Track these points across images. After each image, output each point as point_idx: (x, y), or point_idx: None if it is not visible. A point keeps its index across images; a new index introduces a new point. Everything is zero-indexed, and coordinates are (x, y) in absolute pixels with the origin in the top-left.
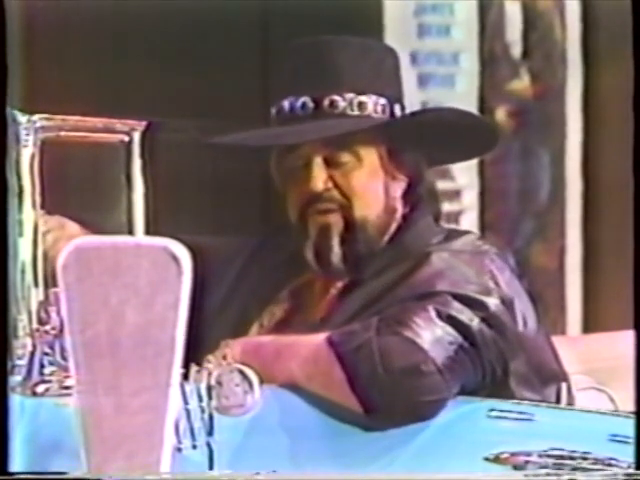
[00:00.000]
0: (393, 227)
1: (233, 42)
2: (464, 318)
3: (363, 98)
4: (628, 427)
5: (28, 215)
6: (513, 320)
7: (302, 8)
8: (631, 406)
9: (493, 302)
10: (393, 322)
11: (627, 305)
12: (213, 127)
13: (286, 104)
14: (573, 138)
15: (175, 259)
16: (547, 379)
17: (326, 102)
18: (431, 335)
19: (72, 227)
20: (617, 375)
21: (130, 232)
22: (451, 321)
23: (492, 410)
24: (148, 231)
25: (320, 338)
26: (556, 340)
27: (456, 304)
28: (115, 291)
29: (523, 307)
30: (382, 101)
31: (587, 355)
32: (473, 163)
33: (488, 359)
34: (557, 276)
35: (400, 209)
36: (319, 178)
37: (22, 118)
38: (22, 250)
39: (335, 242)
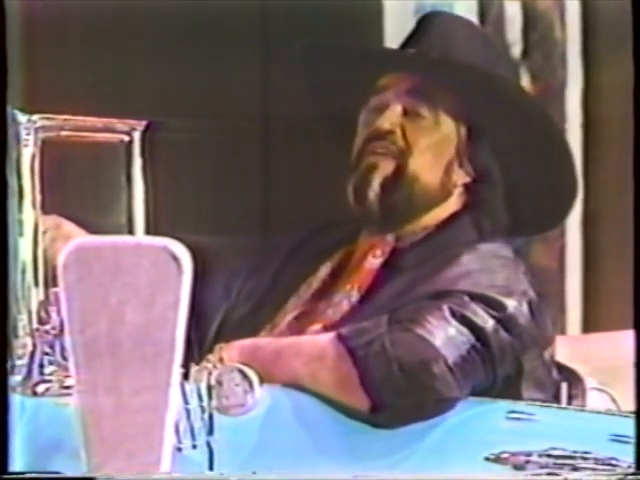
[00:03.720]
0: (439, 212)
1: (233, 41)
2: (478, 319)
3: None
4: (628, 427)
5: (28, 215)
6: (534, 324)
7: (302, 8)
8: (631, 406)
9: (512, 304)
10: (406, 319)
11: (627, 305)
12: (213, 127)
13: None
14: (573, 138)
15: (175, 259)
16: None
17: None
18: (444, 334)
19: (68, 227)
20: (617, 375)
21: (130, 232)
22: (465, 321)
23: (499, 411)
24: (148, 231)
25: (327, 336)
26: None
27: (472, 305)
28: (115, 291)
29: (546, 314)
30: None
31: (587, 355)
32: None
33: (501, 361)
34: (557, 276)
35: (455, 199)
36: (389, 120)
37: (22, 118)
38: (22, 250)
39: (377, 180)
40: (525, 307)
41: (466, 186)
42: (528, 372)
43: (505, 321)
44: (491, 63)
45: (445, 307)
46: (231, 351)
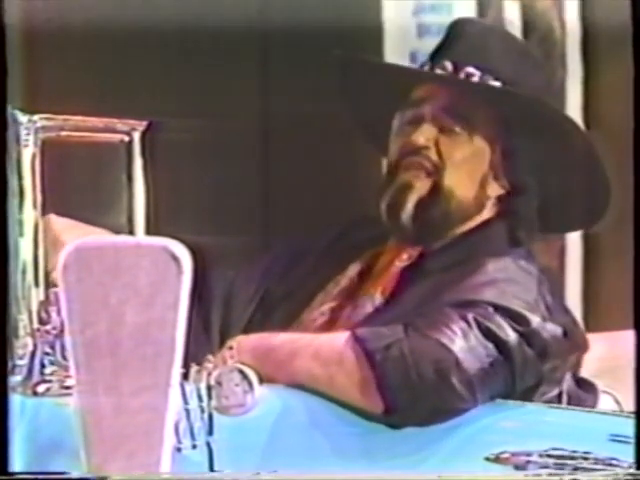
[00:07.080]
0: (471, 223)
1: (233, 41)
2: (502, 332)
3: (497, 83)
4: (629, 427)
5: (28, 215)
6: (556, 339)
7: (302, 7)
8: (631, 406)
9: (536, 319)
10: (426, 325)
11: (627, 305)
12: (213, 127)
13: (428, 64)
14: None
15: (175, 259)
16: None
17: (462, 73)
18: (465, 344)
19: (57, 229)
20: (617, 375)
21: (130, 232)
22: (489, 333)
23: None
24: (148, 231)
25: (343, 337)
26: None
27: (497, 317)
28: (115, 291)
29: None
30: None
31: (587, 355)
32: None
33: (522, 375)
34: (557, 276)
35: (488, 209)
36: (423, 135)
37: (23, 118)
38: (22, 250)
39: (411, 201)
40: (545, 321)
41: (500, 197)
42: (546, 382)
43: (529, 336)
44: (526, 77)
45: (470, 317)
46: (245, 346)
